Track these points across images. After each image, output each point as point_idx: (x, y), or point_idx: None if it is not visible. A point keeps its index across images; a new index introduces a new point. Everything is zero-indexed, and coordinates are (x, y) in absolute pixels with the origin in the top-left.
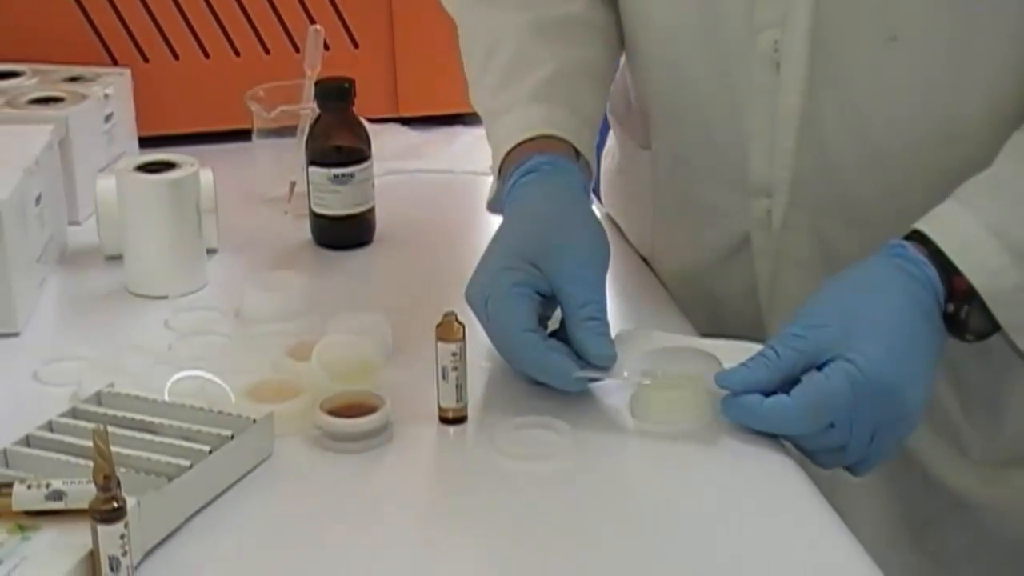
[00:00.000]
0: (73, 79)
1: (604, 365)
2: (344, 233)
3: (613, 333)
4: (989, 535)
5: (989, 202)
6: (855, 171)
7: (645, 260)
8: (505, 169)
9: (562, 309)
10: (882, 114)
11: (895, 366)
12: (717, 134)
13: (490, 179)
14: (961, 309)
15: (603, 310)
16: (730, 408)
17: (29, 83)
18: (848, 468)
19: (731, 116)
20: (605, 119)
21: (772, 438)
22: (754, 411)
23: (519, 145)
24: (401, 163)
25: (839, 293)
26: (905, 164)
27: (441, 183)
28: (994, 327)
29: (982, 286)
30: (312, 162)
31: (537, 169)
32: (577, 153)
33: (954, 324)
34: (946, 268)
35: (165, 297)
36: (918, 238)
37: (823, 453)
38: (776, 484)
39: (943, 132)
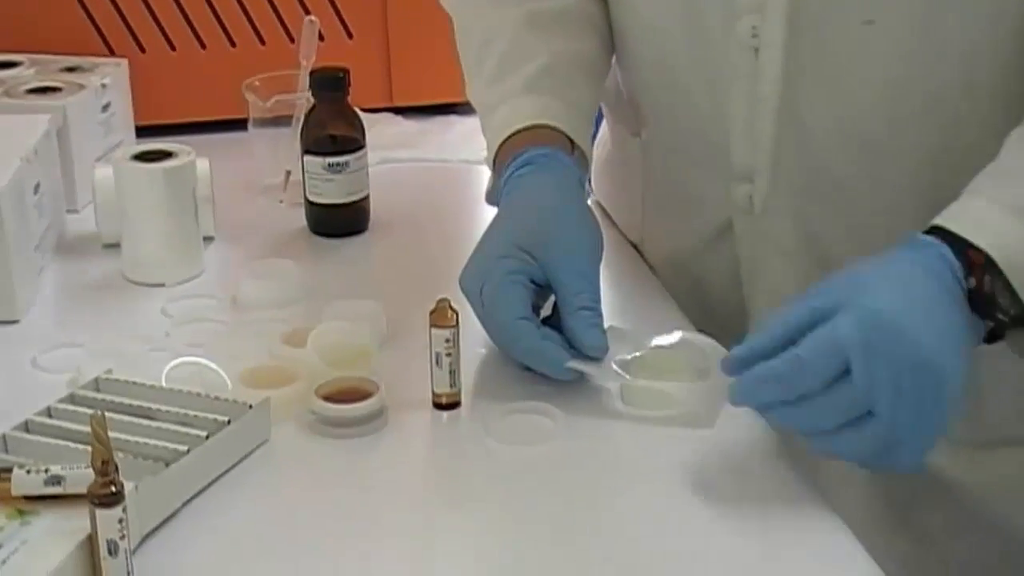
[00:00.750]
0: (71, 69)
1: (596, 355)
2: (339, 221)
3: (605, 324)
4: (970, 516)
5: (997, 186)
6: (834, 155)
7: (635, 247)
8: (500, 161)
9: (556, 298)
10: (860, 97)
11: (907, 309)
12: (700, 120)
13: (483, 168)
14: (983, 281)
15: (597, 300)
16: (737, 390)
17: (27, 73)
18: (897, 462)
19: (713, 102)
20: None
21: (765, 425)
22: (764, 374)
23: (514, 136)
24: (395, 152)
25: (846, 268)
26: (884, 146)
27: (435, 172)
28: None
29: (997, 253)
30: (307, 151)
31: (533, 162)
32: (572, 144)
33: (981, 300)
34: (959, 245)
35: (162, 284)
36: (929, 230)
37: (853, 433)
38: (766, 471)
39: (921, 114)
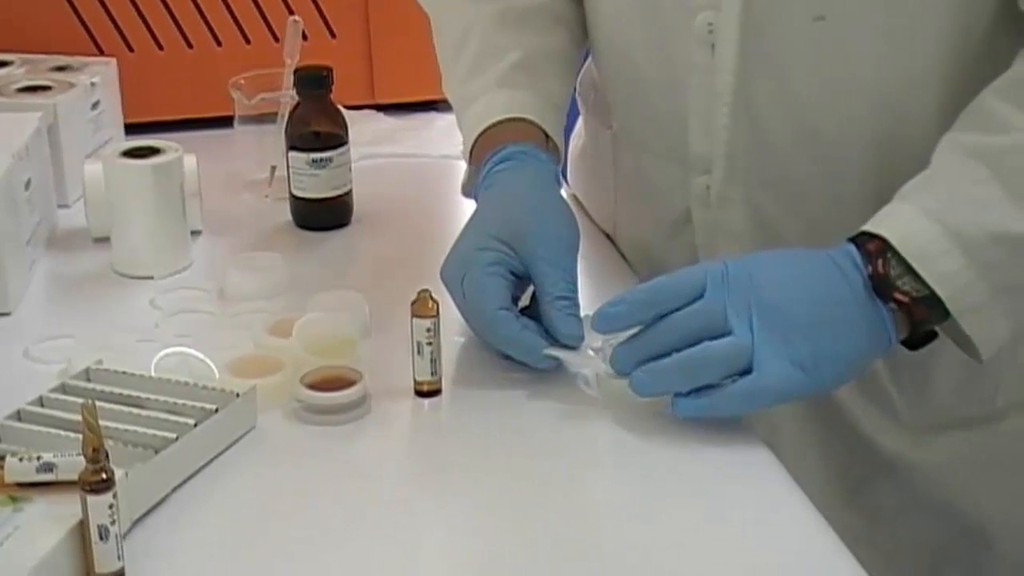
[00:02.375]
0: (61, 68)
1: (572, 344)
2: (323, 215)
3: (581, 313)
4: (919, 494)
5: (915, 191)
6: (787, 146)
7: (608, 236)
8: (478, 155)
9: (535, 288)
10: (811, 92)
11: (778, 263)
12: (661, 113)
13: (462, 163)
14: (878, 264)
15: (574, 290)
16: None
17: (18, 72)
18: (747, 375)
19: (672, 95)
20: (574, 104)
21: (748, 424)
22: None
23: (490, 130)
24: (377, 148)
25: None
26: (835, 139)
27: (415, 167)
28: (931, 292)
29: (888, 233)
30: (292, 147)
31: (512, 157)
32: (546, 136)
33: (879, 282)
34: (860, 239)
35: (151, 277)
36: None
37: (710, 338)
38: (733, 452)
39: (871, 108)
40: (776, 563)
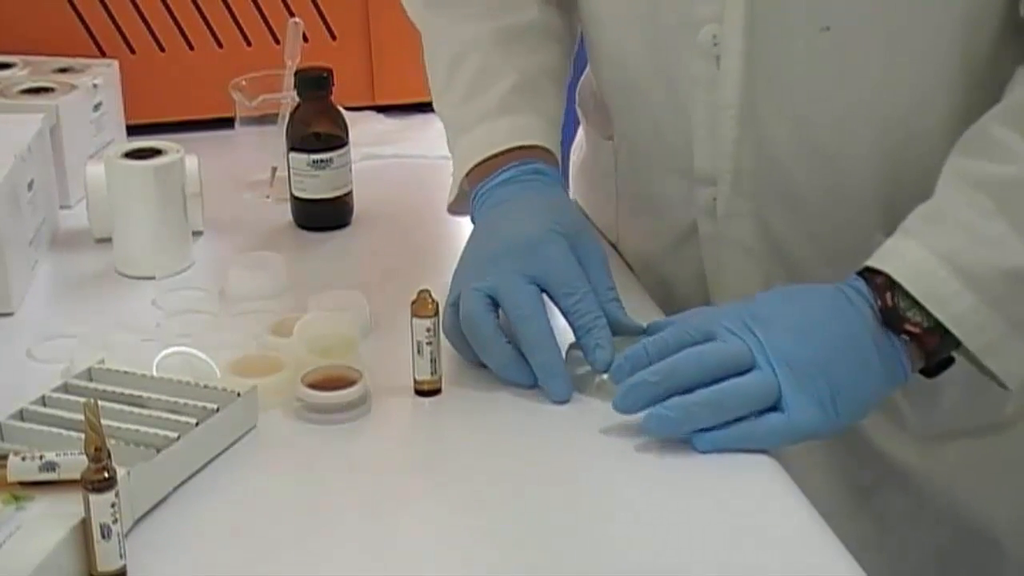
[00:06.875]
0: (63, 70)
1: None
2: (323, 216)
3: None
4: (926, 502)
5: (919, 226)
6: (793, 159)
7: (613, 246)
8: (477, 176)
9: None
10: (817, 103)
11: (790, 302)
12: (664, 126)
13: None
14: (886, 298)
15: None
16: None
17: (21, 74)
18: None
19: (676, 108)
20: (574, 115)
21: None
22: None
23: (493, 157)
24: (377, 149)
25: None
26: (841, 151)
27: (415, 168)
28: (937, 323)
29: (896, 271)
30: (292, 148)
31: (517, 180)
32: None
33: (889, 315)
34: (867, 274)
35: (152, 277)
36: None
37: (733, 370)
38: (750, 472)
39: (877, 120)
40: (776, 567)
